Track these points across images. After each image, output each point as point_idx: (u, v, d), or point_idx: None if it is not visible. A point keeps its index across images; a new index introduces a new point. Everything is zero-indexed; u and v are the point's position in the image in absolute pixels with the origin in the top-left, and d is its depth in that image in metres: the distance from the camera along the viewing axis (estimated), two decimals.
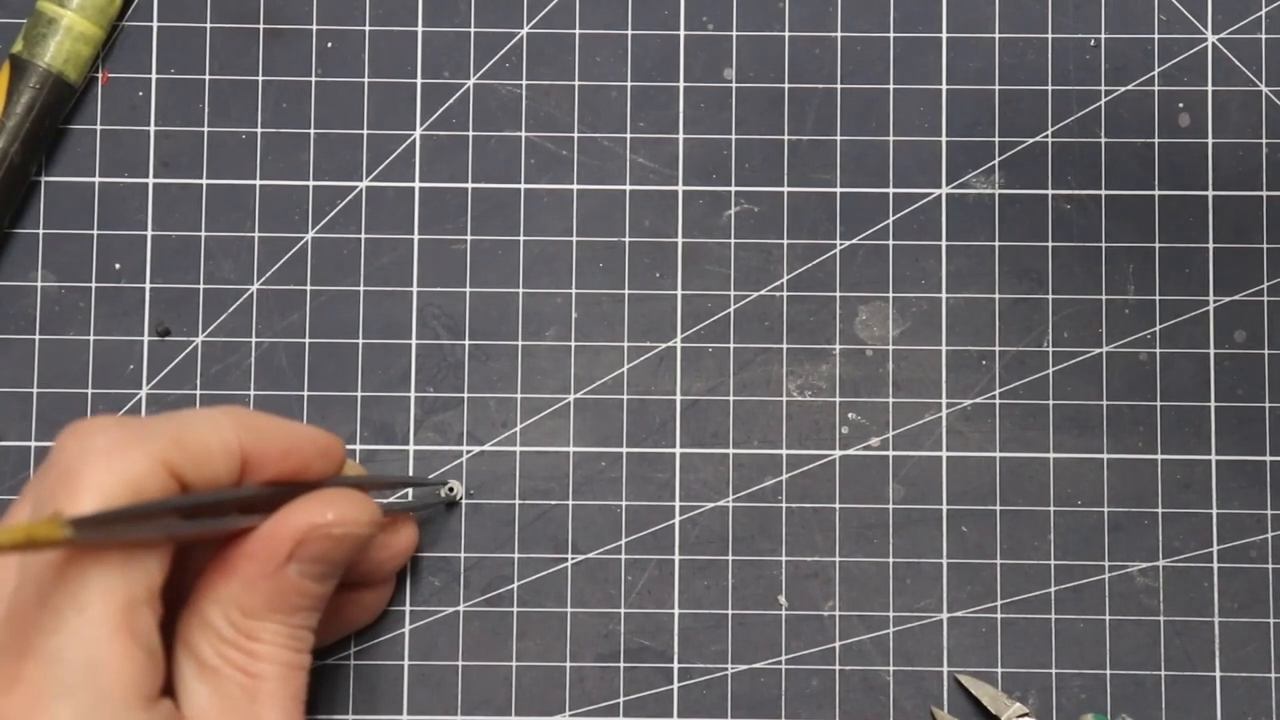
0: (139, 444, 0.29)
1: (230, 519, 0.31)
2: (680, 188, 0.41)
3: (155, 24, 0.41)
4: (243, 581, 0.31)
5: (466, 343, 0.40)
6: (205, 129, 0.41)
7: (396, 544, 0.37)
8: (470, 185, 0.41)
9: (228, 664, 0.30)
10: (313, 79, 0.41)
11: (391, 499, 0.40)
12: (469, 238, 0.41)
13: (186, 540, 0.31)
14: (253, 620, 0.31)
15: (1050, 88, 0.41)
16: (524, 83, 0.41)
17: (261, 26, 0.41)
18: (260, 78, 0.41)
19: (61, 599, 0.28)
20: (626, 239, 0.41)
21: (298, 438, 0.32)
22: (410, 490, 0.40)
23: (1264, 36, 0.41)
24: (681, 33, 0.41)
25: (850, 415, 0.40)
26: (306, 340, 0.40)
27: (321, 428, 0.33)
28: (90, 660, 0.28)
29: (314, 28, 0.41)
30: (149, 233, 0.41)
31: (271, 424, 0.32)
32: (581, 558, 0.40)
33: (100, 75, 0.41)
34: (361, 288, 0.40)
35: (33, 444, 0.40)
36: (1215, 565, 0.39)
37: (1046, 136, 0.41)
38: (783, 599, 0.40)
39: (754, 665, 0.39)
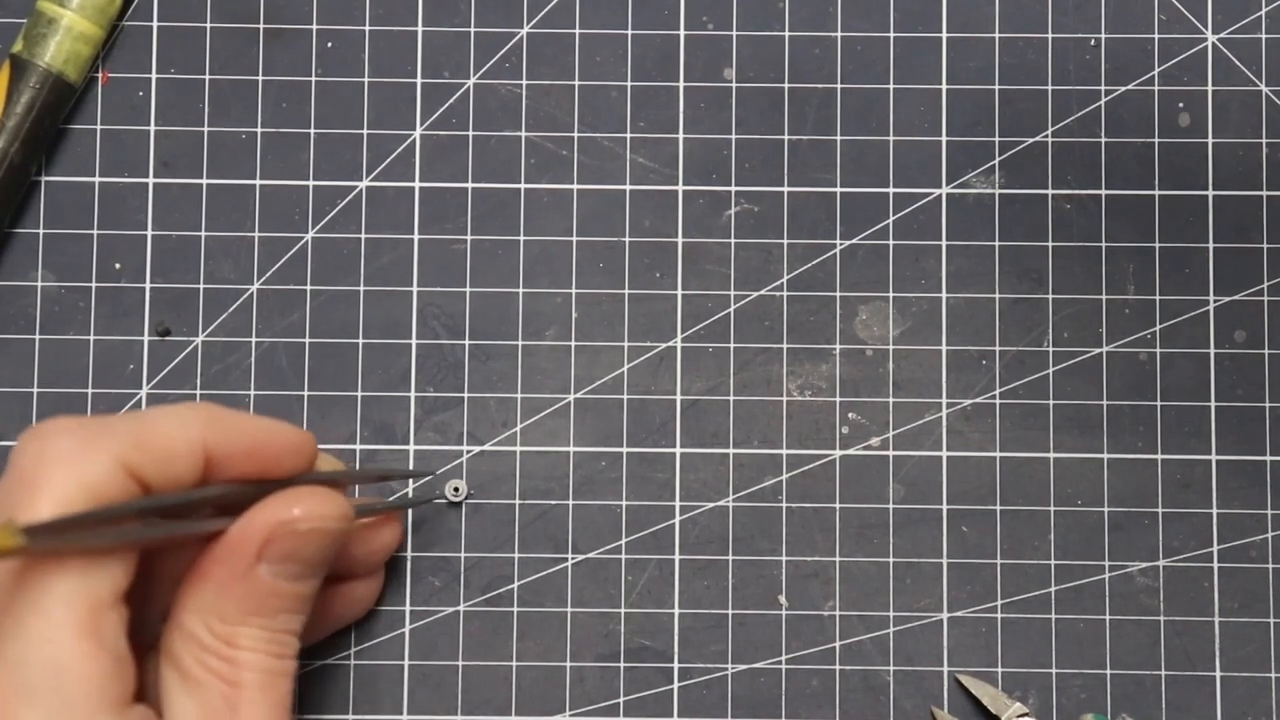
0: (98, 447, 0.28)
1: (195, 522, 0.31)
2: (680, 188, 0.41)
3: (155, 24, 0.41)
4: (216, 587, 0.30)
5: (466, 343, 0.40)
6: (205, 129, 0.41)
7: (378, 539, 0.37)
8: (470, 185, 0.41)
9: (210, 673, 0.30)
10: (313, 79, 0.41)
11: (393, 498, 0.40)
12: (469, 238, 0.41)
13: (151, 545, 0.30)
14: (231, 626, 0.30)
15: (1050, 88, 0.41)
16: (524, 83, 0.41)
17: (261, 26, 0.41)
18: (260, 78, 0.41)
19: (23, 604, 0.28)
20: (626, 239, 0.41)
21: (265, 434, 0.32)
22: (410, 489, 0.40)
23: (1264, 36, 0.41)
24: (681, 33, 0.41)
25: (850, 415, 0.40)
26: (306, 340, 0.40)
27: (290, 424, 0.33)
28: (54, 664, 0.27)
29: (314, 28, 0.41)
30: (149, 233, 0.41)
31: (239, 420, 0.31)
32: (581, 558, 0.40)
33: (100, 75, 0.41)
34: (361, 288, 0.40)
35: None
36: (1215, 565, 0.39)
37: (1046, 136, 0.41)
38: (783, 599, 0.40)
39: (754, 665, 0.39)
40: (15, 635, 0.28)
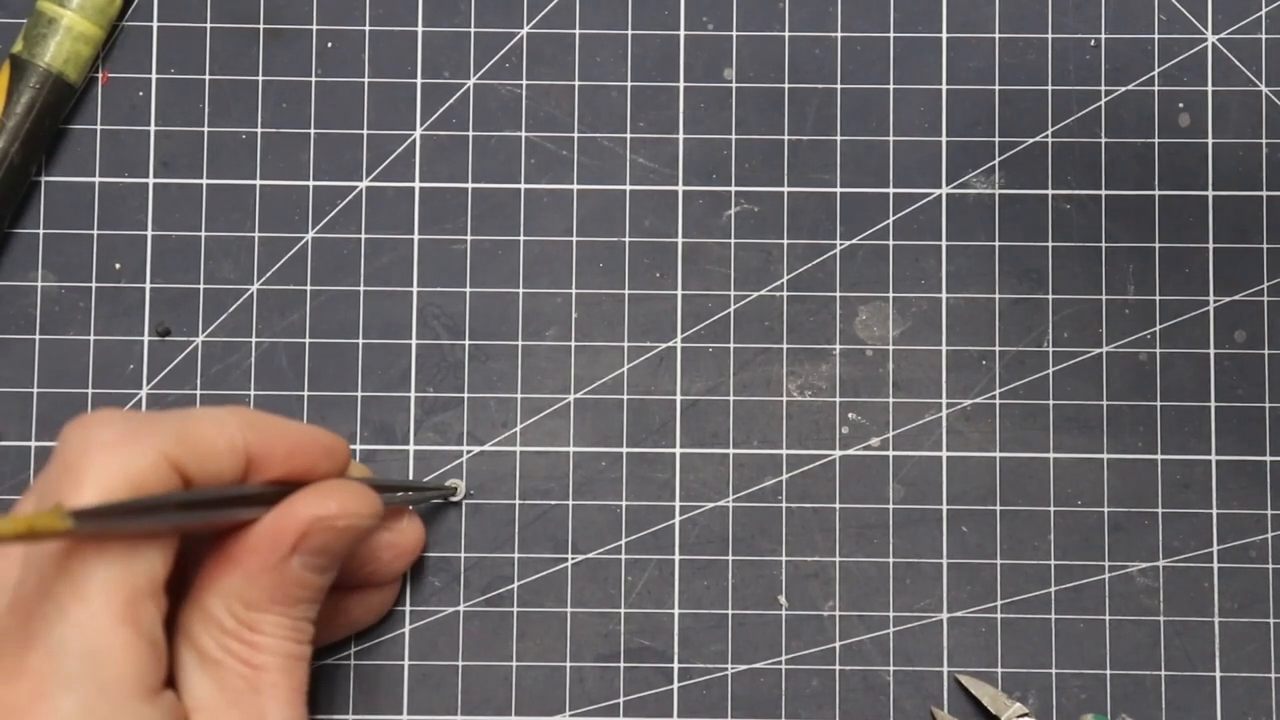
0: (142, 438, 0.29)
1: (233, 510, 0.31)
2: (680, 188, 0.41)
3: (155, 24, 0.41)
4: (245, 574, 0.31)
5: (466, 343, 0.40)
6: (205, 129, 0.41)
7: (404, 544, 0.37)
8: (470, 185, 0.41)
9: (230, 655, 0.31)
10: (313, 79, 0.41)
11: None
12: (469, 238, 0.41)
13: (189, 530, 0.31)
14: (254, 612, 0.31)
15: (1050, 88, 0.41)
16: (524, 83, 0.41)
17: (261, 26, 0.41)
18: (260, 78, 0.41)
19: (64, 590, 0.28)
20: (626, 239, 0.41)
21: (303, 438, 0.32)
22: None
23: (1264, 36, 0.41)
24: (681, 33, 0.41)
25: (850, 415, 0.40)
26: (306, 340, 0.40)
27: (326, 429, 0.34)
28: (93, 651, 0.28)
29: (314, 28, 0.41)
30: (149, 233, 0.41)
31: (277, 424, 0.32)
32: (581, 558, 0.40)
33: (100, 75, 0.41)
34: (361, 288, 0.40)
35: (33, 444, 0.40)
36: (1215, 565, 0.39)
37: (1046, 136, 0.41)
38: (783, 599, 0.40)
39: (754, 665, 0.39)
40: (55, 621, 0.28)
